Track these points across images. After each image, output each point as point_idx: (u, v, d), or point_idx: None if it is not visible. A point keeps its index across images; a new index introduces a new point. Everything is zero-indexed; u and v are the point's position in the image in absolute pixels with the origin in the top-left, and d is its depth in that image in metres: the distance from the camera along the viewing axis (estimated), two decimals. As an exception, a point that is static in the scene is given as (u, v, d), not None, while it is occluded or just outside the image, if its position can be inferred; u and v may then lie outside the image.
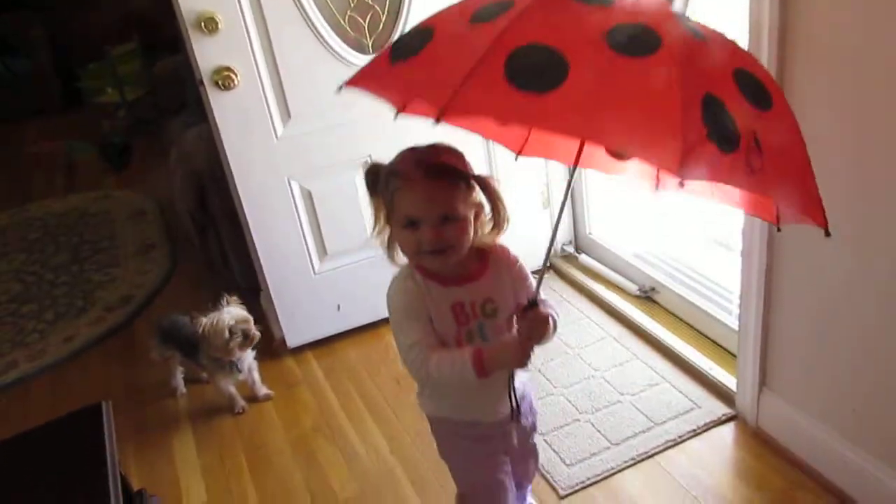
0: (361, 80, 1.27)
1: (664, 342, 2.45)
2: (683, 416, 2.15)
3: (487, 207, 1.37)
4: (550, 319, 1.32)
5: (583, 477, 2.00)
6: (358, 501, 2.06)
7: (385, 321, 2.79)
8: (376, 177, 1.33)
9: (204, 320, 2.31)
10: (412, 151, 1.32)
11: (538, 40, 0.99)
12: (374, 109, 2.44)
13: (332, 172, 2.56)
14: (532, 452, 1.71)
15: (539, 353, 2.47)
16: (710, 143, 0.95)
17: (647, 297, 2.72)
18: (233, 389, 2.51)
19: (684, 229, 2.60)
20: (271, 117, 2.42)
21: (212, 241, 3.22)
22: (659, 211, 2.66)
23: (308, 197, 2.57)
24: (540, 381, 2.39)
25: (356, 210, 2.58)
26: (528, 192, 2.90)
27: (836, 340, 1.74)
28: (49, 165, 5.72)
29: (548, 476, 2.02)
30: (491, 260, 1.41)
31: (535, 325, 1.28)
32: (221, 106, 2.33)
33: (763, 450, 2.00)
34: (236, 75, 2.30)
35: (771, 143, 1.04)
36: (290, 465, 2.24)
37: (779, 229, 1.24)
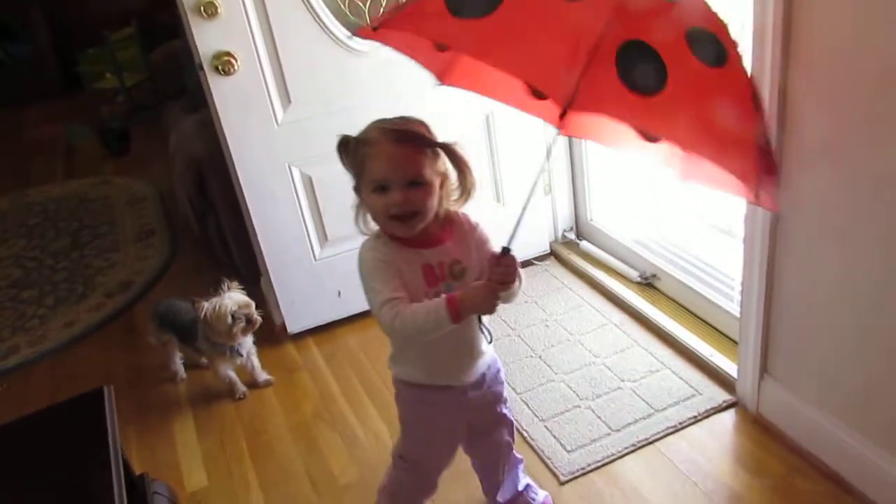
0: (403, 22, 1.34)
1: (665, 329, 2.45)
2: (684, 403, 2.15)
3: (454, 177, 1.44)
4: (519, 267, 1.38)
5: (583, 463, 2.01)
6: (358, 486, 2.06)
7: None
8: (347, 147, 1.40)
9: (206, 305, 2.30)
10: (381, 121, 1.40)
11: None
12: (375, 93, 2.48)
13: (332, 158, 2.47)
14: (502, 421, 1.74)
15: (540, 340, 2.50)
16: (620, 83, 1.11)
17: (648, 283, 2.72)
18: (233, 374, 2.51)
19: (685, 216, 2.59)
20: (271, 103, 2.41)
21: (212, 228, 3.21)
22: (660, 198, 2.65)
23: (309, 183, 2.56)
24: (540, 367, 2.39)
25: (349, 196, 2.56)
26: (530, 178, 2.88)
27: (837, 327, 1.74)
28: (48, 150, 5.70)
29: (548, 462, 2.03)
30: (455, 226, 1.48)
31: (509, 270, 1.35)
32: (221, 91, 2.32)
33: (763, 436, 2.00)
34: (236, 60, 2.28)
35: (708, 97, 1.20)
36: (290, 450, 2.25)
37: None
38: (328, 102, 2.47)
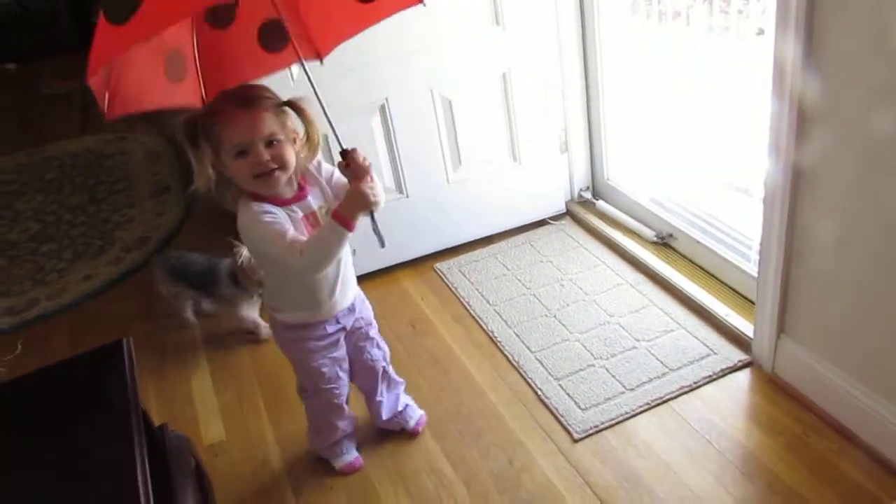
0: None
1: (681, 288, 2.44)
2: (699, 362, 2.15)
3: (302, 133, 1.56)
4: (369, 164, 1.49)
5: (597, 421, 2.02)
6: (373, 443, 2.09)
7: (400, 265, 2.80)
8: (195, 126, 1.46)
9: (244, 252, 2.35)
10: (222, 93, 1.48)
11: None
12: (388, 52, 2.44)
13: (346, 118, 2.52)
14: (374, 343, 1.93)
15: (555, 299, 2.50)
16: None
17: (665, 243, 2.70)
18: (258, 317, 2.56)
19: (703, 175, 2.56)
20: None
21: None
22: (677, 157, 2.62)
23: (323, 141, 2.54)
24: (555, 326, 2.40)
25: (371, 157, 2.55)
26: (547, 137, 2.86)
27: (856, 286, 1.73)
28: (64, 105, 5.69)
29: (562, 419, 2.04)
30: (307, 175, 1.61)
31: (357, 164, 1.46)
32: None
33: (778, 395, 2.00)
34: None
35: None
36: (306, 404, 2.27)
37: None
38: (342, 61, 2.41)
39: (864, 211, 1.64)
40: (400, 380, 2.07)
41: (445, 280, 2.75)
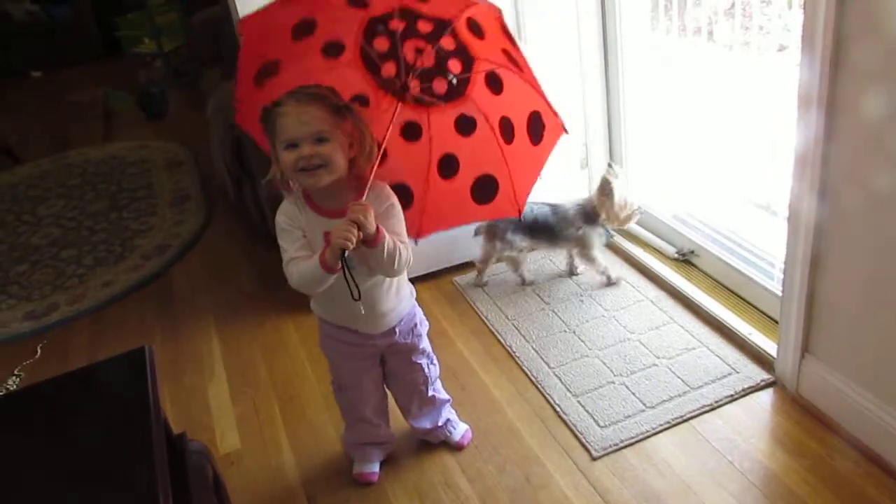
0: None
1: (702, 306, 2.41)
2: (721, 381, 2.12)
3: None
4: (372, 214, 1.50)
5: (616, 439, 1.99)
6: (393, 454, 2.07)
7: (419, 278, 2.79)
8: (267, 115, 1.51)
9: (617, 185, 2.49)
10: (293, 89, 1.52)
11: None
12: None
13: None
14: (416, 370, 1.91)
15: (574, 315, 2.48)
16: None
17: (686, 260, 2.68)
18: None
19: (725, 192, 2.54)
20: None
21: (247, 195, 3.23)
22: (699, 174, 2.61)
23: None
24: (574, 342, 2.38)
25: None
26: (567, 153, 2.85)
27: (884, 306, 1.70)
28: (88, 113, 5.76)
29: (581, 437, 2.02)
30: (368, 194, 1.56)
31: (355, 211, 1.48)
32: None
33: (802, 416, 1.97)
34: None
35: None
36: (322, 415, 2.26)
37: None
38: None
39: (894, 227, 1.61)
40: (446, 397, 2.05)
41: (464, 293, 2.74)
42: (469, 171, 1.72)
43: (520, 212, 1.76)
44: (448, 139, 1.69)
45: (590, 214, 2.57)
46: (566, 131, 1.69)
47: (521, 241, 2.64)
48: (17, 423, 1.34)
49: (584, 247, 2.61)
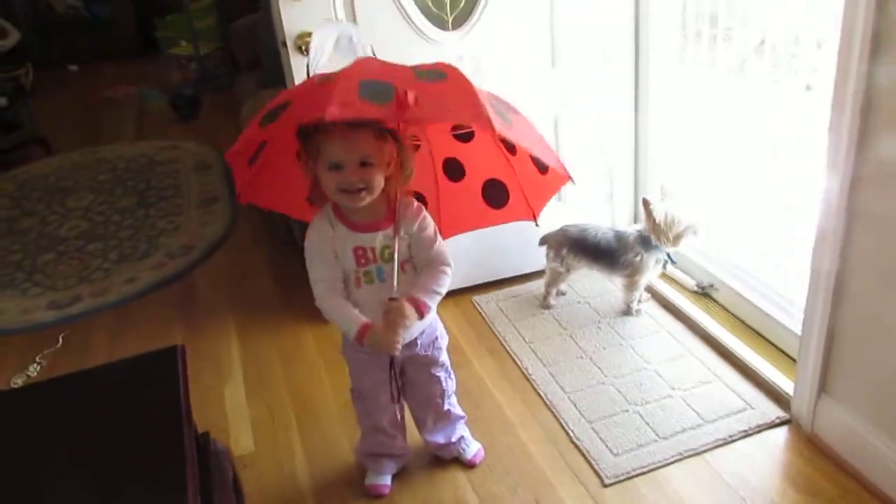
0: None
1: (720, 340, 2.42)
2: (735, 416, 2.12)
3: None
4: (412, 306, 1.60)
5: (628, 467, 2.00)
6: (406, 469, 2.08)
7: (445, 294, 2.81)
8: (308, 133, 1.52)
9: (660, 209, 2.47)
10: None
11: None
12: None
13: None
14: (434, 382, 1.94)
15: (591, 341, 2.49)
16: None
17: (705, 293, 2.69)
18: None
19: (749, 228, 2.55)
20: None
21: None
22: (723, 209, 2.62)
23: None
24: (590, 368, 2.39)
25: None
26: (593, 186, 2.87)
27: (905, 355, 1.71)
28: (121, 110, 5.85)
29: (593, 463, 2.02)
30: (400, 214, 1.63)
31: (394, 316, 1.57)
32: (301, 70, 2.35)
33: (817, 456, 1.97)
34: (319, 43, 2.31)
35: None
36: (336, 423, 2.28)
37: None
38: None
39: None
40: (461, 413, 2.07)
41: (483, 313, 2.76)
42: (476, 174, 1.75)
43: (535, 217, 1.79)
44: (445, 145, 1.73)
45: (647, 239, 2.55)
46: (573, 181, 1.66)
47: (574, 260, 2.64)
48: (44, 413, 1.36)
49: (636, 272, 2.60)
